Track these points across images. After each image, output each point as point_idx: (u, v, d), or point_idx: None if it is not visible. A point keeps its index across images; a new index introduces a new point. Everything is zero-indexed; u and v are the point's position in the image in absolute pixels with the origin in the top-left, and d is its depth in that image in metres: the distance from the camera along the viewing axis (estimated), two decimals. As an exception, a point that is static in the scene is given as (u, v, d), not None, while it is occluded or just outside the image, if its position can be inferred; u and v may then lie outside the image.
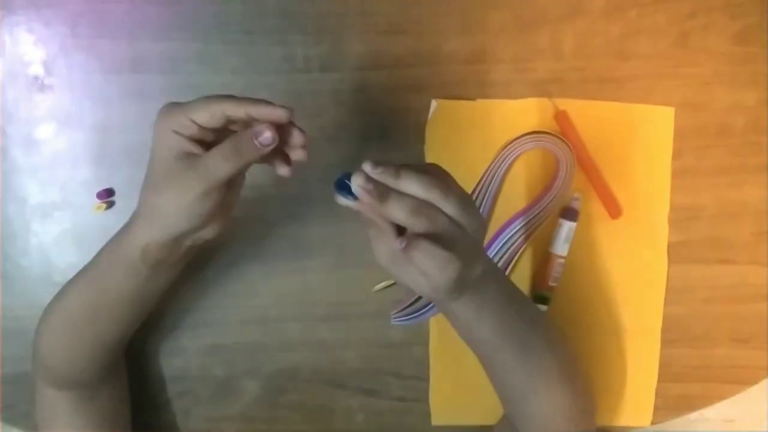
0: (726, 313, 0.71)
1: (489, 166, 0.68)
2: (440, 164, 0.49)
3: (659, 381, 0.71)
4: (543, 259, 0.69)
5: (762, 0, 0.68)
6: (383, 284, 0.69)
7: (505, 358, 0.56)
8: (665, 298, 0.70)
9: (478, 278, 0.49)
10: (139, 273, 0.54)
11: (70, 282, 0.59)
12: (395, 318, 0.69)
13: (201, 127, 0.49)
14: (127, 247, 0.53)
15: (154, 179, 0.50)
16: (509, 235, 0.68)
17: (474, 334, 0.55)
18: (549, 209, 0.68)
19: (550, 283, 0.68)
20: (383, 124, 0.68)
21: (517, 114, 0.68)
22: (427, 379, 0.70)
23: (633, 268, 0.70)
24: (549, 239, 0.69)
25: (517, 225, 0.68)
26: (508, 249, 0.68)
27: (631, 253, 0.69)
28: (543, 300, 0.69)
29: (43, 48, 0.66)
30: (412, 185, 0.46)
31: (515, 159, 0.68)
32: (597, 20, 0.68)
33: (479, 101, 0.68)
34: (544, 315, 0.61)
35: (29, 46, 0.66)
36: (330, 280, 0.69)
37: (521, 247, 0.68)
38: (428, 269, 0.45)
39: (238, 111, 0.48)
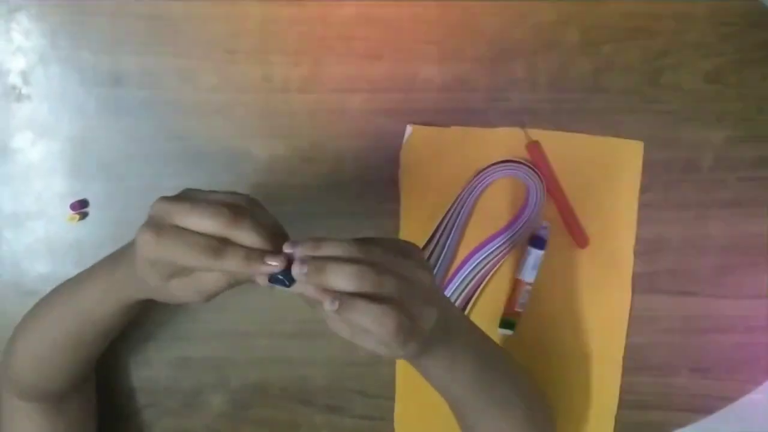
0: (686, 343, 0.72)
1: (460, 193, 0.69)
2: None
3: (620, 408, 0.72)
4: (510, 286, 0.70)
5: (733, 40, 0.70)
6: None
7: (475, 406, 0.56)
8: (628, 327, 0.72)
9: (441, 328, 0.47)
10: (133, 310, 0.55)
11: (50, 305, 0.58)
12: (363, 338, 0.70)
13: None
14: (123, 293, 0.53)
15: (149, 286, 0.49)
16: (477, 261, 0.69)
17: (447, 389, 0.55)
18: (518, 237, 0.69)
19: (517, 309, 0.70)
20: (358, 147, 0.69)
21: (490, 142, 0.69)
22: (392, 399, 0.71)
23: (598, 296, 0.71)
24: (517, 266, 0.70)
25: (486, 251, 0.69)
26: (477, 274, 0.70)
27: (597, 282, 0.71)
28: (509, 325, 0.70)
29: (22, 58, 0.67)
30: (341, 281, 0.44)
31: (487, 186, 0.69)
32: (571, 54, 0.69)
33: (453, 128, 0.69)
34: (506, 352, 0.62)
35: (8, 55, 0.67)
36: (299, 298, 0.69)
37: (489, 273, 0.70)
38: (369, 327, 0.44)
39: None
